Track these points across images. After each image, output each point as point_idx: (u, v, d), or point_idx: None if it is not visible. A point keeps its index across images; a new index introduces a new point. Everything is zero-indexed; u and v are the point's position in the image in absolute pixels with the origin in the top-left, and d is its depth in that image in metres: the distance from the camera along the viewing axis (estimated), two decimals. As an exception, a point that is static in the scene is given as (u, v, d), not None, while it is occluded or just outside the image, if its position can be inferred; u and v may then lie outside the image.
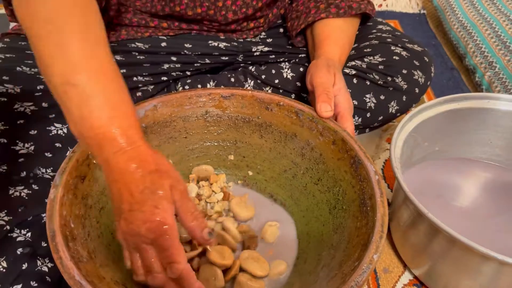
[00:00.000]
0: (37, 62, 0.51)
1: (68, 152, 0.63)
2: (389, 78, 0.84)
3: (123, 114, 0.51)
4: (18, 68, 0.69)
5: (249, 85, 0.88)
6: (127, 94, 0.52)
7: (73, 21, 0.51)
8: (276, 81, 0.87)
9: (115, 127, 0.49)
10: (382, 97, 0.84)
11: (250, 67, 0.89)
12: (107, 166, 0.49)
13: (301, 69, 0.87)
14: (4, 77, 0.67)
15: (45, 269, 0.58)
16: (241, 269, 0.62)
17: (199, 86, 0.87)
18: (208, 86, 0.88)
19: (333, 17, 0.80)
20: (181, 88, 0.88)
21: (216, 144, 0.75)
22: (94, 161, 0.59)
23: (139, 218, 0.46)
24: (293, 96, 0.87)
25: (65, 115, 0.51)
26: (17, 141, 0.63)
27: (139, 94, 0.83)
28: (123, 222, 0.47)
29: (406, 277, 0.75)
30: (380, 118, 0.87)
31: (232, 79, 0.88)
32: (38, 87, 0.68)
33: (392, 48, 0.87)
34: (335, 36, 0.79)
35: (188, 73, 0.87)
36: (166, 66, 0.83)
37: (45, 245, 0.59)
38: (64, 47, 0.50)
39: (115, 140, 0.49)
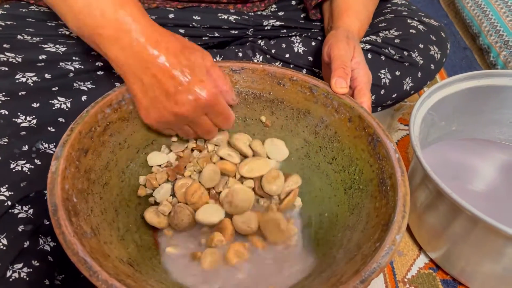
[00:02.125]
0: None
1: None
2: (405, 53, 0.81)
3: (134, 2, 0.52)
4: (19, 37, 0.66)
5: (257, 60, 0.85)
6: None
7: None
8: (287, 55, 0.84)
9: (131, 15, 0.50)
10: (397, 73, 0.81)
11: (259, 41, 0.86)
12: (130, 55, 0.50)
13: (313, 43, 0.84)
14: (5, 45, 0.63)
15: (47, 248, 0.55)
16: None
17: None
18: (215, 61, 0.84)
19: None
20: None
21: (225, 120, 0.72)
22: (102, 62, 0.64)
23: (191, 95, 0.51)
24: (304, 71, 0.84)
25: (62, 10, 0.52)
26: (19, 114, 0.60)
27: None
28: (171, 105, 0.52)
29: (422, 260, 0.72)
30: (394, 95, 0.84)
31: (240, 54, 0.85)
32: (40, 57, 0.64)
33: (409, 21, 0.83)
34: (356, 8, 0.75)
35: (196, 47, 0.83)
36: (173, 39, 0.80)
37: (47, 223, 0.57)
38: None
39: (138, 26, 0.50)
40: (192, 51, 0.53)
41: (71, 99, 0.64)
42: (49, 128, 0.62)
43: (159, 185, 0.62)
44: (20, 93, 0.61)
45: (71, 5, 0.50)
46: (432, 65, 0.84)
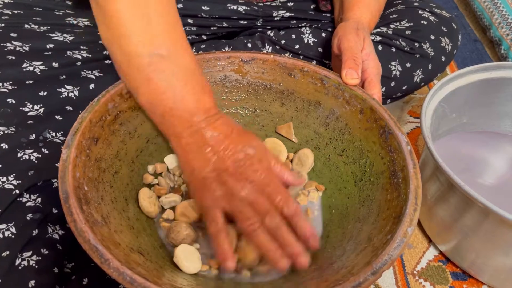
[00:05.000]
0: (106, 30, 0.52)
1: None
2: (417, 44, 0.80)
3: (209, 90, 0.54)
4: (26, 26, 0.65)
5: (267, 51, 0.84)
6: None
7: None
8: (297, 46, 0.83)
9: (206, 101, 0.53)
10: (408, 64, 0.80)
11: (269, 32, 0.85)
12: (201, 135, 0.51)
13: (323, 34, 0.83)
14: (12, 34, 0.63)
15: (56, 236, 0.55)
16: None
17: (214, 51, 0.83)
18: (224, 51, 0.84)
19: None
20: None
21: (234, 111, 0.71)
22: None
23: (252, 168, 0.50)
24: (314, 62, 0.83)
25: (140, 86, 0.52)
26: (26, 102, 0.59)
27: None
28: (229, 177, 0.50)
29: (431, 253, 0.72)
30: (404, 87, 0.83)
31: (249, 45, 0.84)
32: (48, 46, 0.64)
33: (420, 12, 0.82)
34: (367, 0, 0.74)
35: (204, 37, 0.83)
36: (181, 28, 0.79)
37: (56, 211, 0.56)
38: (149, 18, 0.51)
39: (207, 112, 0.52)
40: (250, 138, 0.54)
41: (78, 87, 0.64)
42: (56, 117, 0.61)
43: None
44: (27, 82, 0.61)
45: (155, 85, 0.51)
46: (443, 57, 0.83)
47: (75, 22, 0.70)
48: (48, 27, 0.67)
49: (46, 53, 0.64)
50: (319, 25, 0.85)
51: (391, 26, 0.82)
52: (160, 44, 0.51)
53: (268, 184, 0.50)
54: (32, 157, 0.57)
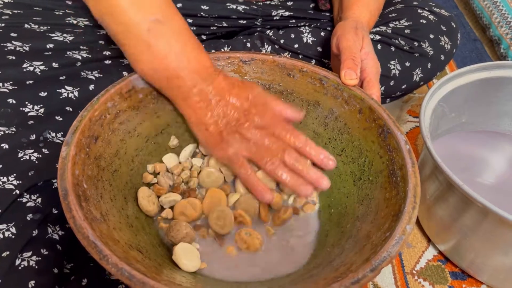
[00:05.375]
0: (97, 3, 0.54)
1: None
2: (416, 43, 0.80)
3: (204, 49, 0.58)
4: (26, 25, 0.65)
5: (266, 51, 0.84)
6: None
7: None
8: (296, 45, 0.83)
9: (205, 60, 0.57)
10: (407, 64, 0.80)
11: (268, 31, 0.85)
12: (203, 94, 0.55)
13: (323, 34, 0.83)
14: (12, 34, 0.63)
15: (56, 237, 0.55)
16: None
17: (213, 51, 0.83)
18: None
19: None
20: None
21: (233, 111, 0.72)
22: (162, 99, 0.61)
23: (259, 114, 0.56)
24: (313, 61, 0.83)
25: (142, 54, 0.54)
26: (27, 103, 0.60)
27: None
28: (242, 127, 0.55)
29: (430, 253, 0.72)
30: (404, 86, 0.83)
31: (248, 44, 0.84)
32: (48, 46, 0.64)
33: (419, 11, 0.82)
34: None
35: (204, 37, 0.83)
36: (181, 28, 0.79)
37: (56, 212, 0.56)
38: None
39: (208, 70, 0.56)
40: (249, 84, 0.59)
41: (78, 88, 0.64)
42: (56, 117, 0.61)
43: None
44: (27, 82, 0.61)
45: (156, 50, 0.54)
46: (442, 56, 0.83)
47: (75, 22, 0.70)
48: (48, 27, 0.67)
49: (46, 53, 0.64)
50: (318, 24, 0.85)
51: (390, 25, 0.82)
52: (156, 9, 0.53)
53: (276, 125, 0.56)
54: (32, 157, 0.57)
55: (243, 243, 0.56)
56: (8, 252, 0.50)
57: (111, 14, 0.53)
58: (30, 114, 0.60)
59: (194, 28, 0.80)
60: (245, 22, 0.83)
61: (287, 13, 0.83)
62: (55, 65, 0.63)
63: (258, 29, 0.86)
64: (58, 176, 0.48)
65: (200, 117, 0.56)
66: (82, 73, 0.66)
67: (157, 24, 0.53)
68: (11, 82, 0.60)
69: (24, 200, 0.54)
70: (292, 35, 0.83)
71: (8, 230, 0.51)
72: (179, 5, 0.77)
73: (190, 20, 0.79)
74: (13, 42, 0.63)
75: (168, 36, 0.54)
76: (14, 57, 0.61)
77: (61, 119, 0.62)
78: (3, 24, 0.65)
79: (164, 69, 0.54)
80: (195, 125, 0.58)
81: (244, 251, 0.57)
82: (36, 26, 0.66)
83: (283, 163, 0.55)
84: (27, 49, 0.63)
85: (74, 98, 0.63)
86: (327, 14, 0.85)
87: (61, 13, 0.70)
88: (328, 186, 0.56)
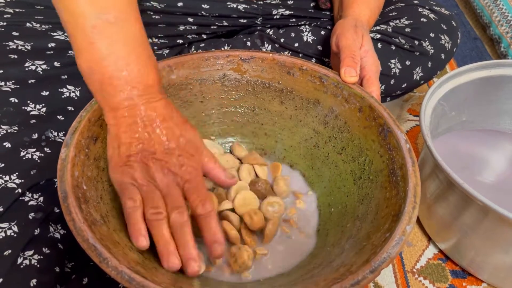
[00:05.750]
0: None
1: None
2: (416, 42, 0.80)
3: (154, 65, 0.52)
4: (28, 24, 0.66)
5: (266, 49, 0.84)
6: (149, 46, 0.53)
7: None
8: (296, 44, 0.83)
9: (149, 76, 0.50)
10: (407, 62, 0.80)
11: (268, 30, 0.85)
12: (133, 112, 0.49)
13: (323, 33, 0.83)
14: (14, 33, 0.63)
15: (58, 235, 0.56)
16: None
17: (213, 50, 0.84)
18: (223, 50, 0.84)
19: None
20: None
21: (233, 110, 0.72)
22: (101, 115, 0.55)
23: (179, 160, 0.49)
24: (313, 60, 0.83)
25: (82, 48, 0.49)
26: (29, 102, 0.60)
27: None
28: (154, 162, 0.49)
29: (431, 251, 0.72)
30: (404, 85, 0.83)
31: (248, 43, 0.84)
32: (49, 45, 0.64)
33: (420, 10, 0.83)
34: None
35: (204, 36, 0.83)
36: (182, 27, 0.79)
37: (58, 210, 0.57)
38: None
39: (149, 89, 0.50)
40: (189, 127, 0.52)
41: (80, 88, 0.64)
42: (58, 117, 0.62)
43: None
44: (29, 81, 0.61)
45: (96, 49, 0.49)
46: (442, 54, 0.83)
47: (75, 21, 0.70)
48: (50, 26, 0.68)
49: (48, 52, 0.64)
50: (319, 23, 0.85)
51: (391, 23, 0.82)
52: (109, 7, 0.48)
53: (190, 181, 0.50)
54: (34, 156, 0.57)
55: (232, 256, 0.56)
56: (10, 251, 0.50)
57: (63, 1, 0.49)
58: (32, 113, 0.60)
59: (195, 27, 0.81)
60: (245, 21, 0.83)
61: (287, 12, 0.83)
62: (56, 64, 0.63)
63: (258, 28, 0.86)
64: (58, 177, 0.48)
65: (119, 132, 0.49)
66: (83, 73, 0.66)
67: (105, 23, 0.48)
68: (13, 81, 0.60)
69: (26, 199, 0.54)
70: (292, 34, 0.83)
71: (10, 228, 0.51)
72: (180, 4, 0.77)
73: (190, 19, 0.79)
74: (15, 41, 0.63)
75: (114, 39, 0.49)
76: (16, 56, 0.62)
77: (63, 118, 0.62)
78: (5, 23, 0.65)
79: (99, 72, 0.49)
80: (110, 138, 0.51)
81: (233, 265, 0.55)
82: (38, 25, 0.67)
83: (167, 221, 0.49)
84: (29, 48, 0.63)
85: (76, 98, 0.64)
86: (327, 13, 0.85)
87: (62, 12, 0.70)
88: (195, 273, 0.48)
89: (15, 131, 0.57)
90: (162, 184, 0.49)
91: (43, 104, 0.61)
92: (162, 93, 0.52)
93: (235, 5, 0.80)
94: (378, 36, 0.80)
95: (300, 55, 0.83)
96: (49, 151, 0.58)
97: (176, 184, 0.49)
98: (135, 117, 0.49)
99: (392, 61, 0.80)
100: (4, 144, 0.56)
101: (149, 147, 0.49)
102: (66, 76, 0.64)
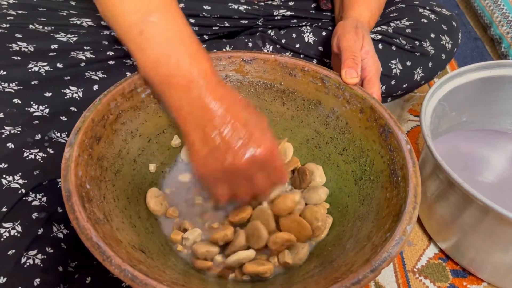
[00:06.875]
0: (99, 5, 0.51)
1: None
2: (417, 43, 0.80)
3: (204, 52, 0.52)
4: (30, 26, 0.66)
5: (267, 50, 0.85)
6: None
7: None
8: (297, 45, 0.83)
9: (204, 71, 0.50)
10: (408, 63, 0.81)
11: (269, 31, 0.85)
12: (196, 106, 0.49)
13: (324, 33, 0.83)
14: (17, 35, 0.64)
15: (61, 235, 0.56)
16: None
17: (215, 51, 0.84)
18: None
19: None
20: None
21: (235, 110, 0.72)
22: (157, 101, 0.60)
23: (251, 149, 0.49)
24: (314, 61, 0.83)
25: (137, 57, 0.51)
26: (32, 103, 0.60)
27: None
28: (231, 156, 0.49)
29: (431, 251, 0.72)
30: (405, 85, 0.84)
31: (250, 44, 0.85)
32: (52, 47, 0.65)
33: (420, 10, 0.83)
34: None
35: (206, 37, 0.83)
36: (183, 28, 0.80)
37: (61, 210, 0.57)
38: None
39: (208, 81, 0.50)
40: (253, 111, 0.52)
41: (82, 89, 0.65)
42: (61, 117, 0.62)
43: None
44: (32, 83, 0.62)
45: (148, 54, 0.50)
46: (443, 55, 0.84)
47: (78, 22, 0.70)
48: (52, 28, 0.68)
49: (51, 53, 0.64)
50: (320, 24, 0.85)
51: (392, 24, 0.82)
52: (150, 9, 0.49)
53: (265, 162, 0.52)
54: (37, 157, 0.57)
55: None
56: (13, 250, 0.50)
57: (111, 16, 0.51)
58: (35, 114, 0.60)
59: (196, 28, 0.81)
60: (246, 22, 0.83)
61: (288, 13, 0.84)
62: (59, 65, 0.64)
63: (259, 29, 0.86)
64: (62, 177, 0.48)
65: (188, 131, 0.51)
66: (86, 74, 0.66)
67: (149, 26, 0.49)
68: (16, 83, 0.60)
69: (30, 199, 0.55)
70: (294, 35, 0.84)
71: (13, 228, 0.52)
72: (181, 5, 0.78)
73: (192, 20, 0.79)
74: (18, 43, 0.63)
75: (159, 39, 0.50)
76: (19, 58, 0.62)
77: (65, 119, 0.62)
78: (8, 25, 0.65)
79: (155, 74, 0.50)
80: (183, 136, 0.53)
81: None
82: (41, 27, 0.67)
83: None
84: (32, 49, 0.64)
85: (79, 99, 0.64)
86: (329, 13, 0.85)
87: (65, 14, 0.71)
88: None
89: (19, 132, 0.58)
90: (243, 181, 0.53)
91: (46, 105, 0.61)
92: (218, 77, 0.52)
93: (236, 6, 0.80)
94: (379, 37, 0.80)
95: (301, 56, 0.83)
96: (52, 151, 0.59)
97: (256, 171, 0.52)
98: (199, 112, 0.50)
99: (393, 61, 0.80)
100: (8, 145, 0.56)
101: (222, 146, 0.50)
102: (68, 77, 0.64)
